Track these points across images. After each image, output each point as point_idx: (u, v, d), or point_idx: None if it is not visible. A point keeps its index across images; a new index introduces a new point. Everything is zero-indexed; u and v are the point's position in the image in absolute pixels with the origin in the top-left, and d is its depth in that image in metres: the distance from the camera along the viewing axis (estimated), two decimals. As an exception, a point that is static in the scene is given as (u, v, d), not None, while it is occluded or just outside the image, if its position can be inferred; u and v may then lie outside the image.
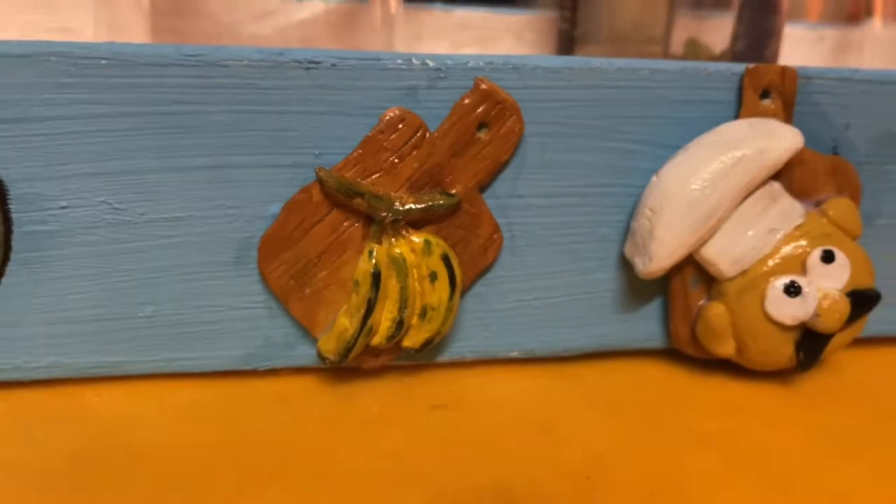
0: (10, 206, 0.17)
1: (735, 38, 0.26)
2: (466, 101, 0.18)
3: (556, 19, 0.34)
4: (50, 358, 0.18)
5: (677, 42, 0.30)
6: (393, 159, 0.18)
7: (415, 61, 0.18)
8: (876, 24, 0.34)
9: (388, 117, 0.18)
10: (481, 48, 0.32)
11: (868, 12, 0.35)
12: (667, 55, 0.30)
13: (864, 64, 0.34)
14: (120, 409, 0.18)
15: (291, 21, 0.29)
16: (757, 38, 0.26)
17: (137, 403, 0.19)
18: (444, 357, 0.20)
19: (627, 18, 0.29)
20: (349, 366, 0.20)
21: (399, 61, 0.18)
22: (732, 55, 0.27)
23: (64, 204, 0.17)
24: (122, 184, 0.17)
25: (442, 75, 0.18)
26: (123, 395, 0.19)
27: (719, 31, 0.29)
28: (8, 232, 0.17)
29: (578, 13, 0.27)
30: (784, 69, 0.20)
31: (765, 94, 0.20)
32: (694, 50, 0.29)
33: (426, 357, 0.20)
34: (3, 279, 0.18)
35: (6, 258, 0.18)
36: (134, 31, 0.27)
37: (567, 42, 0.28)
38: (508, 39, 0.32)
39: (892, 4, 0.34)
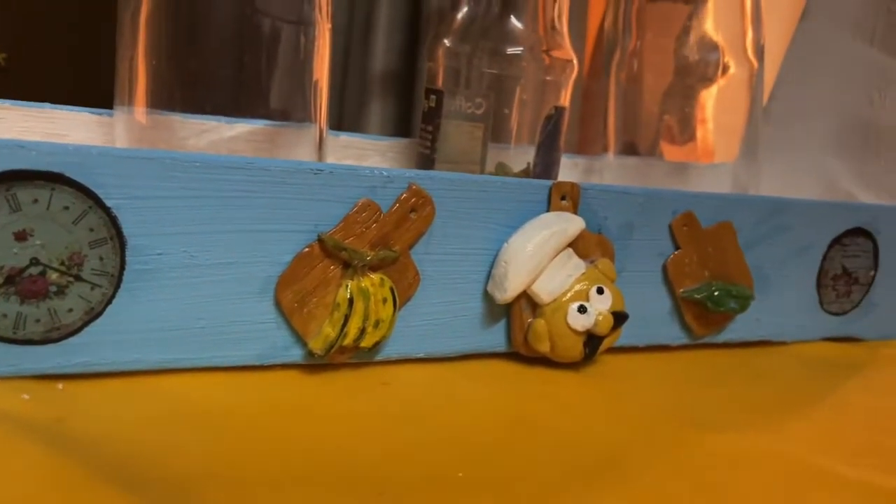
0: (126, 252, 0.27)
1: (535, 164, 0.41)
2: (404, 195, 0.31)
3: (410, 144, 0.47)
4: (135, 355, 0.28)
5: (490, 164, 0.44)
6: (362, 229, 0.30)
7: (376, 172, 0.30)
8: (610, 156, 0.52)
9: (360, 204, 0.30)
10: (356, 163, 0.45)
11: (604, 148, 0.52)
12: (483, 173, 0.44)
13: (604, 181, 0.51)
14: (181, 388, 0.28)
15: (223, 137, 0.39)
16: (547, 165, 0.41)
17: (192, 385, 0.28)
18: (381, 356, 0.32)
19: (458, 148, 0.43)
20: (325, 362, 0.31)
21: (367, 171, 0.30)
22: (534, 175, 0.41)
23: (160, 252, 0.27)
24: (196, 240, 0.28)
25: (391, 180, 0.30)
26: (182, 381, 0.28)
27: (517, 157, 0.44)
28: (122, 270, 0.27)
29: (435, 143, 0.41)
30: (573, 184, 0.34)
31: (563, 198, 0.34)
32: (502, 169, 0.44)
33: (372, 356, 0.32)
34: (114, 301, 0.27)
35: (118, 287, 0.27)
36: (119, 138, 0.37)
37: (427, 161, 0.41)
38: (377, 157, 0.46)
39: (622, 143, 0.51)
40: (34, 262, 0.25)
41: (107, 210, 0.26)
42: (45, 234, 0.25)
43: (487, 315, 0.34)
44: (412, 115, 0.92)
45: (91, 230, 0.26)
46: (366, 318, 0.30)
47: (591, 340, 0.34)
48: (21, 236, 0.25)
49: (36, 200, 0.25)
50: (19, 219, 0.25)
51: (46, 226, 0.25)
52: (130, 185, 0.26)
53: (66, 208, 0.26)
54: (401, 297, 0.31)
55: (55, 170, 0.25)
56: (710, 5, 0.47)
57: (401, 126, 1.02)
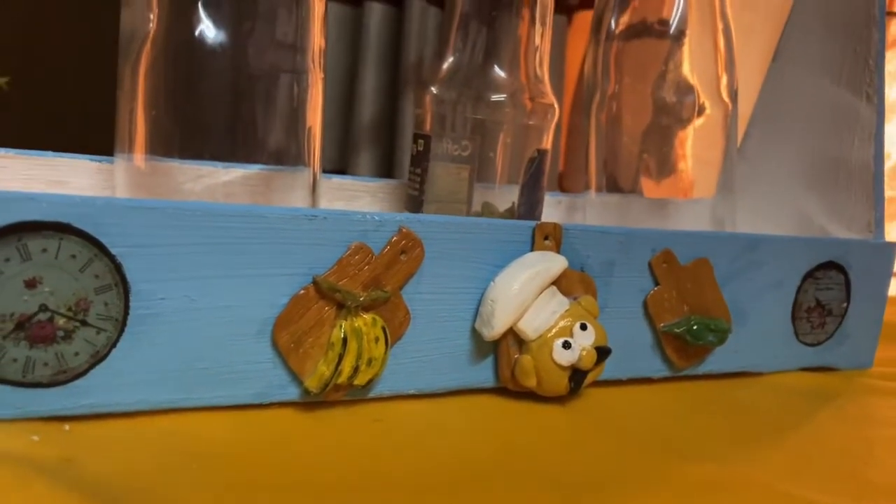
0: (130, 298, 0.28)
1: (519, 205, 0.43)
2: (394, 238, 0.32)
3: (399, 185, 0.49)
4: (139, 396, 0.29)
5: (476, 203, 0.46)
6: (355, 271, 0.31)
7: (368, 216, 0.32)
8: (592, 193, 0.53)
9: (352, 247, 0.31)
10: (348, 204, 0.47)
11: (587, 186, 0.54)
12: (469, 212, 0.45)
13: (586, 219, 0.53)
14: (184, 427, 0.29)
15: (219, 181, 0.41)
16: (530, 205, 0.43)
17: (194, 424, 0.29)
18: (374, 393, 0.33)
19: (446, 188, 0.45)
20: (320, 400, 0.32)
21: (359, 216, 0.31)
22: (518, 214, 0.43)
23: (162, 296, 0.28)
24: (197, 284, 0.29)
25: (382, 224, 0.32)
26: (185, 420, 0.29)
27: (502, 196, 0.46)
28: (126, 314, 0.28)
29: (424, 185, 0.42)
30: (555, 224, 0.36)
31: (546, 238, 0.36)
32: (488, 209, 0.46)
33: (365, 393, 0.33)
34: (118, 345, 0.28)
35: (122, 331, 0.28)
36: (119, 184, 0.38)
37: (416, 203, 0.43)
38: (367, 198, 0.47)
39: (604, 181, 0.53)
40: (43, 308, 0.27)
41: (112, 258, 0.27)
42: (54, 281, 0.27)
43: (476, 352, 0.35)
44: (394, 155, 0.94)
45: (97, 277, 0.27)
46: (359, 356, 0.31)
47: (576, 375, 0.35)
48: (31, 284, 0.26)
49: (45, 250, 0.26)
50: (29, 267, 0.26)
51: (55, 273, 0.27)
52: (134, 234, 0.28)
53: (74, 257, 0.27)
54: (392, 335, 0.33)
55: (63, 220, 0.26)
56: (685, 50, 0.49)
57: (385, 164, 1.05)
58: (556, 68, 1.17)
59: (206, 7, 0.34)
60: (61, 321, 0.27)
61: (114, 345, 0.28)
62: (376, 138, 1.05)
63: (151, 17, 0.34)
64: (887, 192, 1.43)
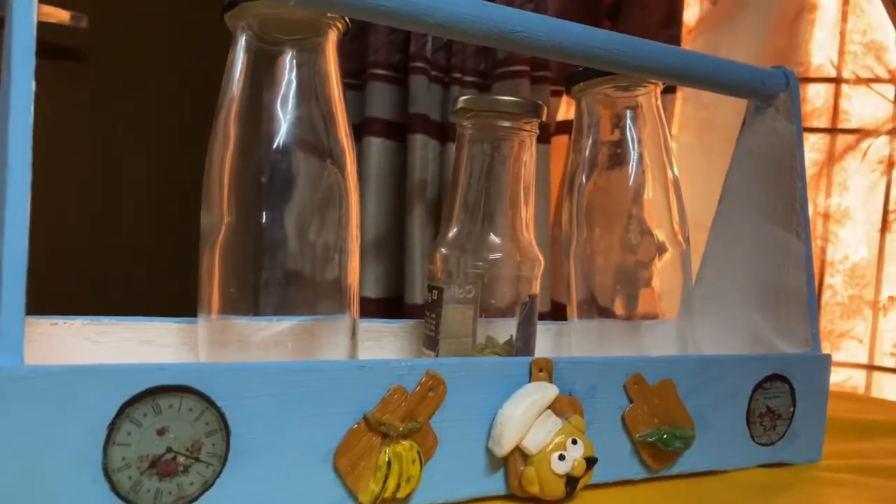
0: (231, 438, 0.37)
1: (516, 339, 0.53)
2: (423, 379, 0.41)
3: (417, 326, 0.59)
4: (235, 515, 0.37)
5: (481, 336, 0.55)
6: (394, 407, 0.41)
7: (403, 364, 0.41)
8: (575, 320, 0.63)
9: (392, 388, 0.41)
10: (375, 343, 0.56)
11: (570, 314, 0.63)
12: (475, 345, 0.55)
13: (571, 343, 0.62)
14: (269, 538, 0.38)
15: (272, 332, 0.50)
16: (525, 339, 0.53)
17: (276, 535, 0.38)
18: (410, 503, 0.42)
19: (455, 326, 0.55)
20: (371, 510, 0.41)
21: (396, 364, 0.41)
22: (516, 347, 0.53)
23: (254, 437, 0.37)
24: (279, 425, 0.38)
25: (414, 369, 0.41)
26: (269, 532, 0.38)
27: (502, 329, 0.55)
28: (227, 451, 0.37)
29: (439, 327, 0.52)
30: (547, 359, 0.45)
31: (540, 370, 0.45)
32: (491, 342, 0.55)
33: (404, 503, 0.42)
34: (222, 475, 0.37)
35: (224, 464, 0.37)
36: (201, 338, 0.47)
37: (432, 341, 0.52)
38: (390, 337, 0.57)
39: (584, 309, 0.63)
40: (168, 450, 0.36)
41: (217, 409, 0.37)
42: (176, 429, 0.36)
43: (489, 466, 0.44)
44: (402, 273, 1.04)
45: (207, 424, 0.36)
46: (400, 475, 0.40)
47: (571, 481, 0.44)
48: (161, 432, 0.35)
49: (171, 405, 0.36)
50: (160, 420, 0.35)
51: (177, 423, 0.36)
52: (235, 390, 0.37)
53: (191, 409, 0.36)
54: (425, 456, 0.42)
55: (184, 383, 0.36)
56: (645, 202, 0.60)
57: (392, 281, 1.15)
58: (541, 189, 1.29)
59: (267, 209, 0.44)
60: (181, 459, 0.36)
61: (218, 475, 0.37)
62: (384, 256, 1.16)
63: (225, 217, 0.44)
64: (848, 291, 1.53)
